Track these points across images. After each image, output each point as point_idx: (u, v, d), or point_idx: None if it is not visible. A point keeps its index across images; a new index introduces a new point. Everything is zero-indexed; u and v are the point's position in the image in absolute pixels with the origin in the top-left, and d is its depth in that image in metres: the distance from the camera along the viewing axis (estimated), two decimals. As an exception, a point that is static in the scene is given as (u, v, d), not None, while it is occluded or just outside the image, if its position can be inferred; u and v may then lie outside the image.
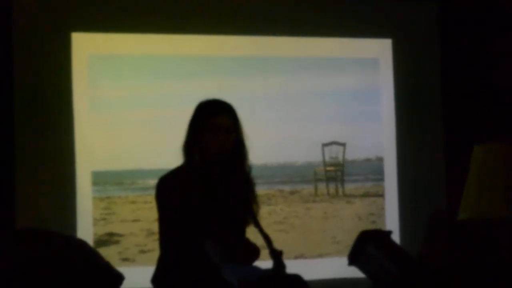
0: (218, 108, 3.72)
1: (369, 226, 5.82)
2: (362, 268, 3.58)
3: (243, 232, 3.78)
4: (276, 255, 3.45)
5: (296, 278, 3.65)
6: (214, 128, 3.66)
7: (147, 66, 5.68)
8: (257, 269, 3.55)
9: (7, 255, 3.22)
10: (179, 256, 3.60)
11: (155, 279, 3.70)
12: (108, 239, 5.54)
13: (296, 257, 5.76)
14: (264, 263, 3.54)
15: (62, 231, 4.96)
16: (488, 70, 6.10)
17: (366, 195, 6.08)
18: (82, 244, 3.44)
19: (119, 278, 3.34)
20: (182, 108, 5.47)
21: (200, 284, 3.54)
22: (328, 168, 6.02)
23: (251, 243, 3.74)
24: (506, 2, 6.08)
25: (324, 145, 5.97)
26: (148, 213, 5.44)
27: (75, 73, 5.53)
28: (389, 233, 3.71)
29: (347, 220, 5.99)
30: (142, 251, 5.54)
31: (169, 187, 3.66)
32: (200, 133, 3.67)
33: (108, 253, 5.45)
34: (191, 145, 3.70)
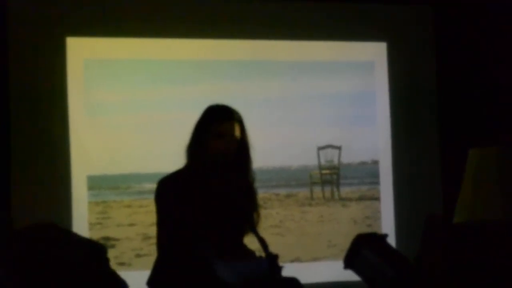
0: (225, 114, 3.71)
1: (365, 230, 5.82)
2: (357, 271, 3.59)
3: (240, 239, 3.78)
4: (272, 259, 3.45)
5: (293, 281, 3.65)
6: (219, 133, 3.65)
7: (143, 71, 5.68)
8: (253, 265, 3.54)
9: (13, 249, 3.18)
10: (176, 258, 3.59)
11: (151, 282, 3.70)
12: (104, 243, 5.51)
13: (292, 261, 5.76)
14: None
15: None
16: (483, 73, 6.11)
17: (361, 198, 6.08)
18: (95, 247, 3.38)
19: (124, 286, 3.33)
20: (178, 112, 5.54)
21: (196, 286, 3.54)
22: (324, 172, 6.02)
23: (247, 249, 3.74)
24: (501, 5, 6.09)
25: (320, 148, 5.98)
26: (144, 217, 5.43)
27: (70, 77, 5.53)
28: (384, 236, 3.72)
29: (343, 223, 5.99)
30: (138, 255, 5.54)
31: (170, 189, 3.66)
32: (205, 137, 3.67)
33: (104, 258, 5.45)
34: (195, 148, 3.69)
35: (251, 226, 3.65)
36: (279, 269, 3.45)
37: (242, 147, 3.72)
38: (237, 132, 3.69)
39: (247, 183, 3.77)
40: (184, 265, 3.55)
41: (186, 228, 3.56)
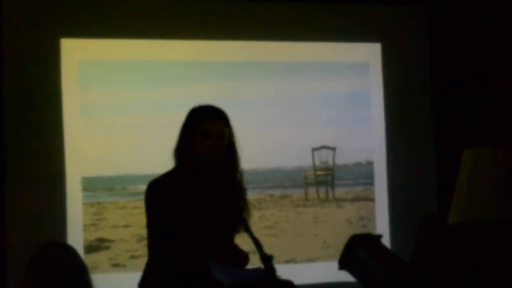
0: (211, 114, 3.72)
1: (360, 230, 5.82)
2: (352, 272, 3.59)
3: (232, 238, 3.77)
4: (267, 260, 3.45)
5: (288, 284, 3.64)
6: (207, 132, 3.65)
7: (137, 72, 5.67)
8: (248, 271, 3.54)
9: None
10: (167, 260, 3.59)
11: (143, 284, 3.69)
12: (98, 244, 5.53)
13: (286, 262, 5.76)
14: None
15: (52, 237, 4.97)
16: (478, 73, 6.11)
17: (356, 199, 6.08)
18: None
19: None
20: (173, 113, 5.52)
21: (190, 287, 3.54)
22: (319, 173, 6.02)
23: (239, 249, 3.74)
24: (495, 6, 6.10)
25: (314, 149, 5.98)
26: (138, 219, 5.40)
27: (65, 78, 5.52)
28: (379, 237, 3.72)
29: (338, 224, 5.99)
30: (133, 257, 5.53)
31: (159, 191, 3.66)
32: (192, 138, 3.67)
33: (99, 259, 5.45)
34: (182, 149, 3.69)
35: (246, 227, 3.64)
36: (273, 270, 3.45)
37: (229, 146, 3.72)
38: (224, 131, 3.69)
39: (235, 181, 3.76)
40: (175, 267, 3.55)
41: (175, 230, 3.56)
